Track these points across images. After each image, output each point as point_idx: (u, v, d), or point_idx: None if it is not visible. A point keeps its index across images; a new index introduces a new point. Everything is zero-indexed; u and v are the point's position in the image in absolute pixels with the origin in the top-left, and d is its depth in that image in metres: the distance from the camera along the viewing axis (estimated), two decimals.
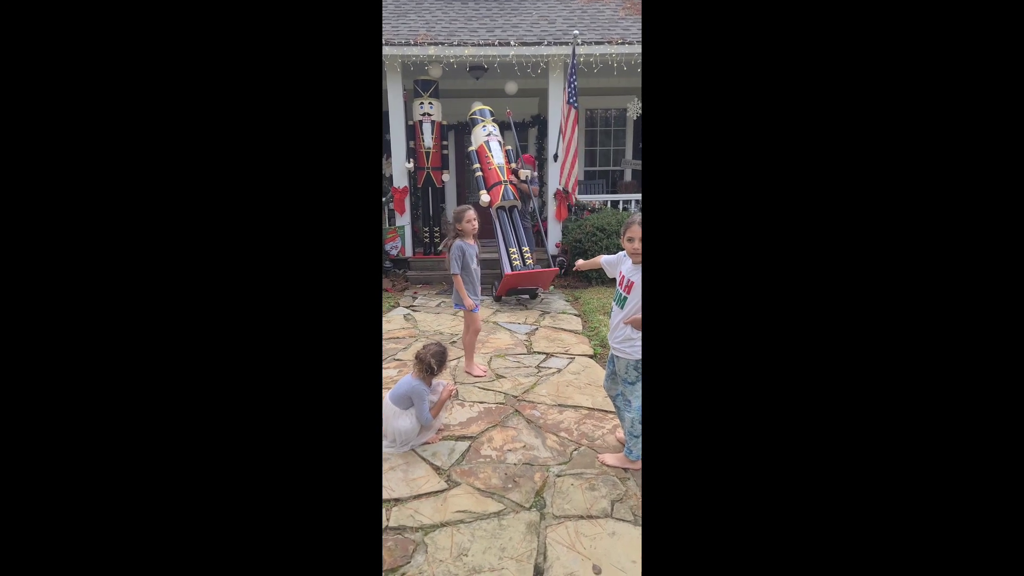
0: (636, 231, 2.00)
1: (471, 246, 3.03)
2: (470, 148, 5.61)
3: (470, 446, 2.39)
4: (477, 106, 5.66)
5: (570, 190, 5.60)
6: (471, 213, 2.98)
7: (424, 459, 2.29)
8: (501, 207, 5.24)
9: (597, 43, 5.57)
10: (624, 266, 2.14)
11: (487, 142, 5.41)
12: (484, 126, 5.49)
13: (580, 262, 2.54)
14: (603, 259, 2.33)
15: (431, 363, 2.39)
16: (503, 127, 5.92)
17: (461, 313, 4.60)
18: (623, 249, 2.14)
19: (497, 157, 5.36)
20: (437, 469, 2.21)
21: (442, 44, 5.55)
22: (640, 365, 2.10)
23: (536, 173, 5.68)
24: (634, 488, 2.06)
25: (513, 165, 5.45)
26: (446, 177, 6.37)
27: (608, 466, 2.21)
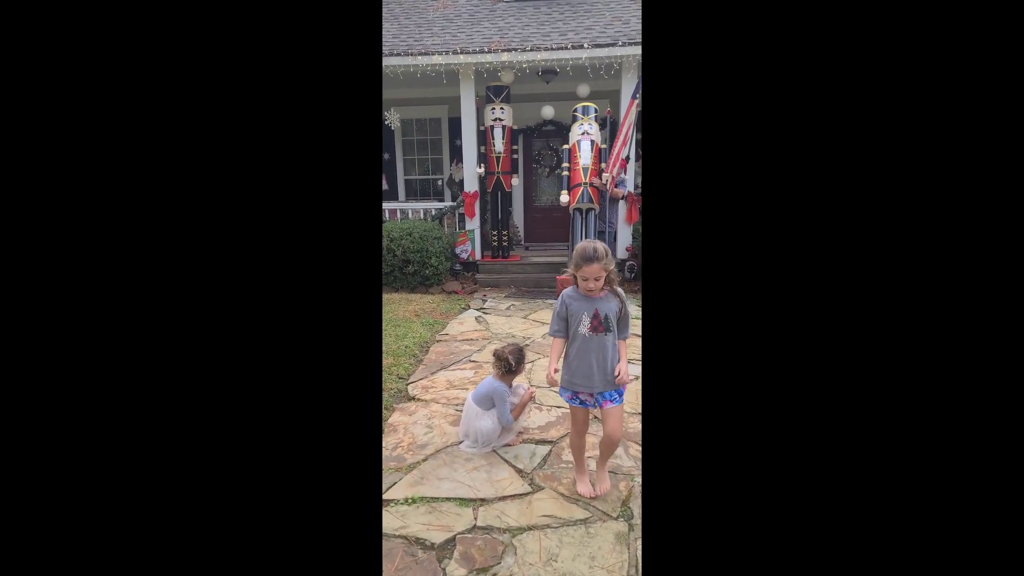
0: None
1: (585, 300, 1.83)
2: (565, 146, 5.64)
3: (551, 450, 2.38)
4: (581, 103, 5.66)
5: (612, 177, 5.46)
6: (593, 268, 1.74)
7: (506, 461, 2.30)
8: (578, 208, 5.23)
9: None
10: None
11: (579, 141, 5.42)
12: (581, 124, 5.49)
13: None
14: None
15: (509, 360, 2.41)
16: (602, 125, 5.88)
17: (533, 315, 4.64)
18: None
19: (584, 158, 5.36)
20: (520, 472, 2.22)
21: (515, 50, 5.62)
22: None
23: (620, 175, 5.62)
24: None
25: (603, 166, 5.42)
26: (515, 181, 6.43)
27: None
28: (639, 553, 1.72)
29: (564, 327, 1.88)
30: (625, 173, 5.66)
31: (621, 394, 1.90)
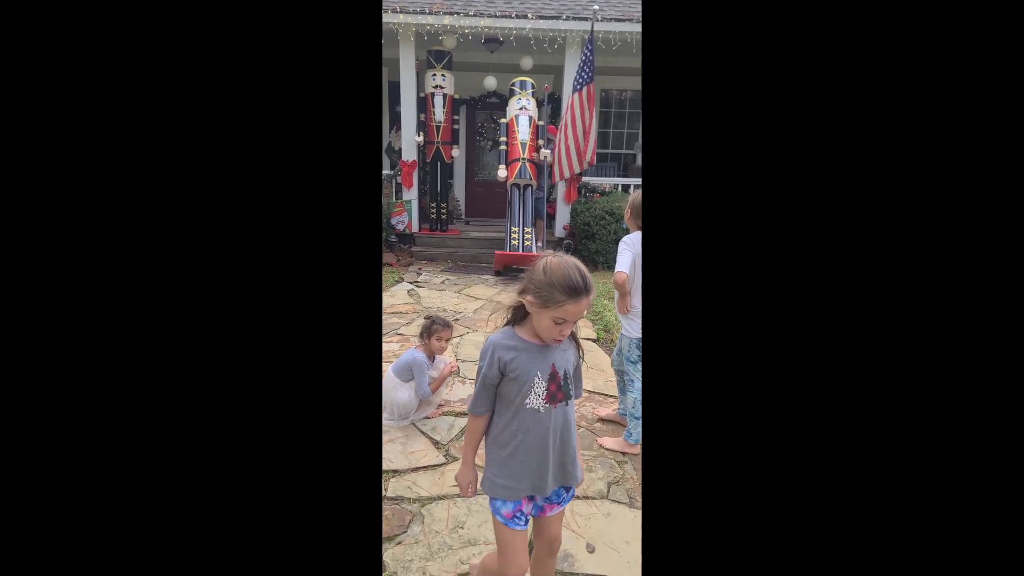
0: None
1: (537, 352, 1.10)
2: (502, 120, 5.59)
3: None
4: (519, 77, 5.61)
5: (572, 175, 5.51)
6: (582, 306, 1.04)
7: (423, 433, 2.30)
8: (516, 184, 5.21)
9: (617, 20, 5.41)
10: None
11: (517, 116, 5.40)
12: (519, 99, 5.46)
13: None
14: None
15: (425, 326, 2.41)
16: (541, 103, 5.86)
17: (468, 290, 4.63)
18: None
19: (523, 133, 5.36)
20: (436, 443, 2.22)
21: (458, 14, 5.41)
22: (631, 343, 2.12)
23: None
24: (631, 472, 2.07)
25: (541, 142, 5.42)
26: (456, 152, 6.29)
27: (607, 449, 2.22)
28: None
29: (493, 399, 1.12)
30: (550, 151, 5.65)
31: (572, 492, 1.23)
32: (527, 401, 1.09)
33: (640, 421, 2.16)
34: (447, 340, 2.45)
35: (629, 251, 2.03)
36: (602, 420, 2.45)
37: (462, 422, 2.40)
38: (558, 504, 1.21)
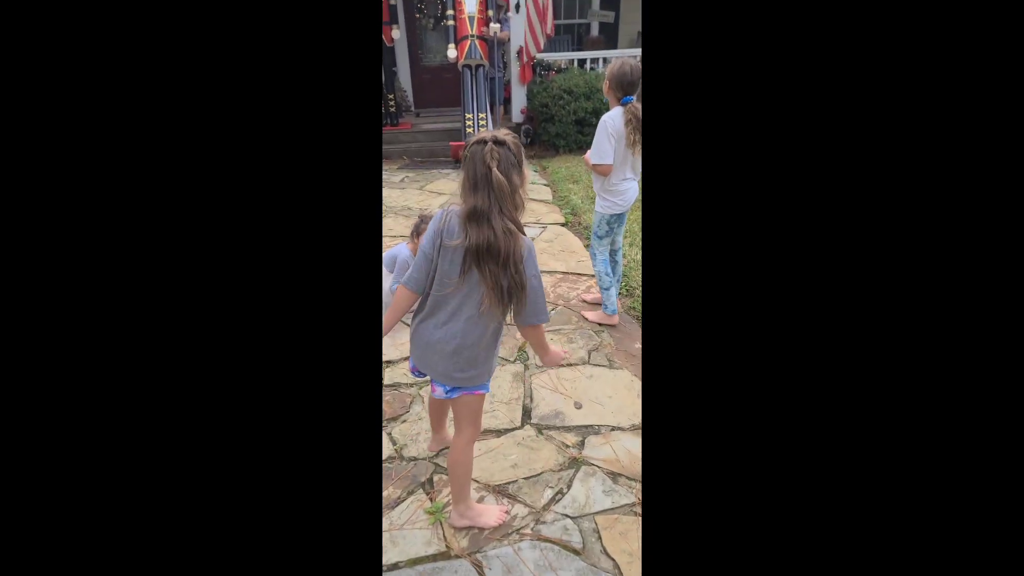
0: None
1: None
2: None
3: None
4: None
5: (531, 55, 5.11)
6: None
7: (408, 325, 2.37)
8: (467, 65, 4.80)
9: None
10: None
11: None
12: None
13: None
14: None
15: (416, 224, 2.40)
16: None
17: (430, 186, 4.49)
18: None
19: (469, 6, 4.79)
20: None
21: None
22: (602, 219, 2.19)
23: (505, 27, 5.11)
24: (608, 339, 2.24)
25: (490, 13, 4.88)
26: (396, 34, 5.67)
27: (590, 322, 2.36)
28: (532, 386, 1.95)
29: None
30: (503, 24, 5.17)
31: None
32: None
33: (608, 292, 2.29)
34: None
35: (610, 140, 1.98)
36: (584, 300, 2.56)
37: None
38: None
